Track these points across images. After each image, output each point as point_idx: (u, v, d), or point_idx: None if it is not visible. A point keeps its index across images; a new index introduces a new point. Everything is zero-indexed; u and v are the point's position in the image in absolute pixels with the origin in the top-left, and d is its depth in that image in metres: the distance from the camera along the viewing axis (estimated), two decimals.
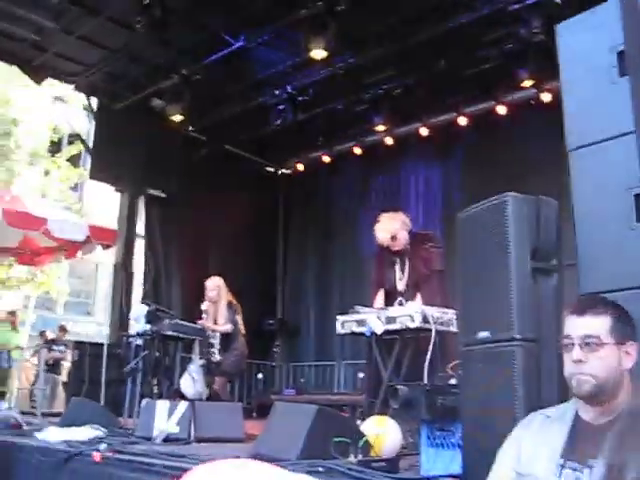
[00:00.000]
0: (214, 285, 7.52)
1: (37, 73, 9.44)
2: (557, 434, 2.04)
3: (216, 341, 7.40)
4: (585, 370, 1.98)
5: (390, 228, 5.45)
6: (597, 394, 1.98)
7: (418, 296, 5.31)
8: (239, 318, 7.53)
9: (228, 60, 8.69)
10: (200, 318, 7.42)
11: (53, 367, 11.93)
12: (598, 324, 2.01)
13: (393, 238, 5.43)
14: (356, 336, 5.74)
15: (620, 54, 2.65)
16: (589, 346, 1.99)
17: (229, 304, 7.48)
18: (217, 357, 7.35)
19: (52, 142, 17.54)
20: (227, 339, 7.43)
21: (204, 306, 7.47)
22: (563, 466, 1.97)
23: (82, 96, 10.35)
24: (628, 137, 2.61)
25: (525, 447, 2.10)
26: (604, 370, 1.97)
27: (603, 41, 2.73)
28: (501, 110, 9.44)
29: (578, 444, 1.99)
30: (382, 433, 3.95)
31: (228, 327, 7.37)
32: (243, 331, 7.57)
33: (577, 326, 2.04)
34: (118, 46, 8.78)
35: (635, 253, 2.55)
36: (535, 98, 8.94)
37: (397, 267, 5.50)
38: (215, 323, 7.42)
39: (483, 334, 2.73)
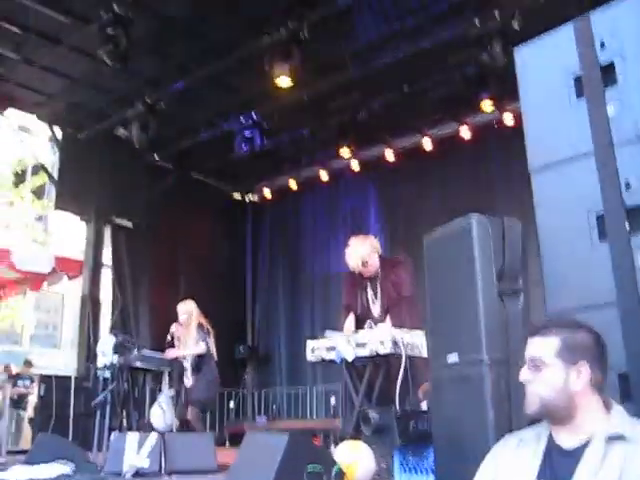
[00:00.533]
0: (186, 309, 7.46)
1: None
2: (532, 456, 2.04)
3: (188, 365, 7.30)
4: (531, 390, 2.03)
5: (361, 253, 5.42)
6: (544, 414, 2.02)
7: (388, 319, 5.30)
8: (211, 342, 7.43)
9: (192, 88, 8.69)
10: (172, 345, 7.32)
11: (18, 402, 11.64)
12: (544, 346, 2.04)
13: (364, 264, 5.41)
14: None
15: (577, 78, 2.70)
16: (535, 367, 2.03)
17: (199, 325, 7.39)
18: (190, 382, 7.26)
19: (16, 173, 17.37)
20: (199, 362, 7.33)
21: (173, 328, 7.38)
22: None
23: (45, 126, 10.26)
24: (587, 157, 2.66)
25: (502, 468, 2.10)
26: (548, 390, 1.99)
27: (560, 64, 2.78)
28: (465, 133, 9.56)
29: (552, 467, 1.99)
30: (355, 460, 3.91)
31: (201, 347, 7.24)
32: (215, 356, 7.47)
33: (528, 348, 2.09)
34: (80, 75, 8.74)
35: (599, 271, 2.58)
36: (498, 121, 9.08)
37: (369, 290, 5.48)
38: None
39: (452, 357, 2.73)
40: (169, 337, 7.35)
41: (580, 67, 2.70)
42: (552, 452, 2.03)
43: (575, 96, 2.73)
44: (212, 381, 7.38)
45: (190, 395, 7.22)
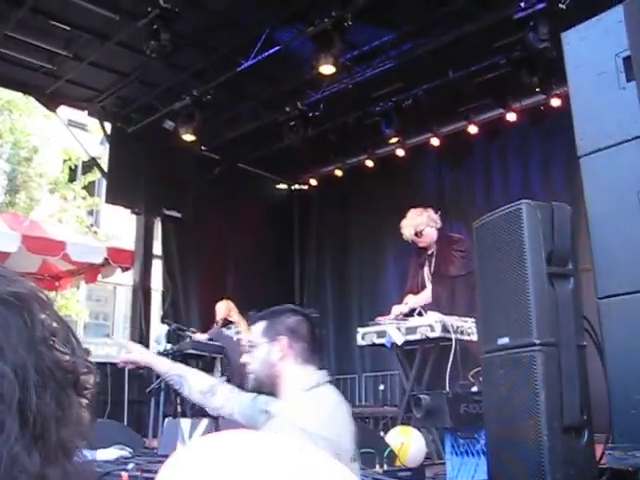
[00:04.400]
0: (224, 307, 7.73)
1: (51, 101, 9.61)
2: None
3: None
4: (249, 369, 2.42)
5: (415, 223, 5.42)
6: (259, 386, 2.38)
7: (424, 293, 5.27)
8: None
9: (238, 79, 8.79)
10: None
11: None
12: (255, 330, 2.48)
13: (418, 234, 5.39)
14: (376, 348, 5.76)
15: (626, 59, 2.70)
16: (250, 350, 2.43)
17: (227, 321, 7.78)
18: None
19: (69, 169, 17.81)
20: None
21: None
22: None
23: (96, 122, 10.50)
24: (637, 141, 2.65)
25: None
26: (256, 365, 2.37)
27: (609, 47, 2.77)
28: (511, 117, 9.46)
29: None
30: (406, 443, 3.97)
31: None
32: None
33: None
34: (129, 70, 8.92)
35: None
36: (545, 104, 8.96)
37: (426, 269, 5.47)
38: None
39: (503, 340, 2.76)
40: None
41: (629, 49, 2.69)
42: None
43: (625, 79, 2.72)
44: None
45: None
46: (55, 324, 0.68)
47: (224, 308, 7.76)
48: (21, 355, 0.61)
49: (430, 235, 5.42)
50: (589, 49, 2.87)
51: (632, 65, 2.68)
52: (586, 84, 2.90)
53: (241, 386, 2.52)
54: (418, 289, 5.47)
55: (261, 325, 2.45)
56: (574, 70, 2.96)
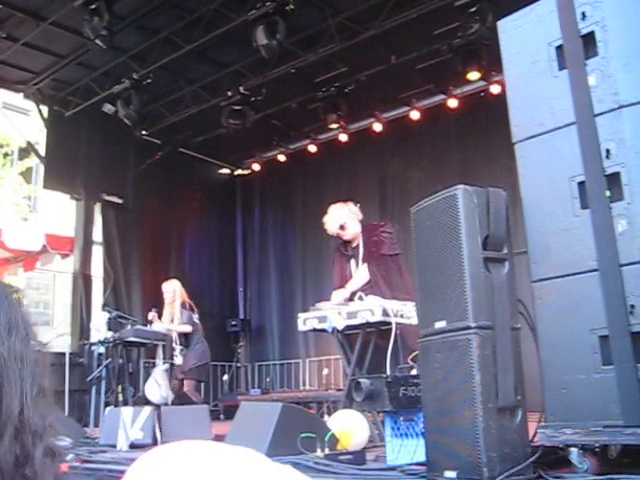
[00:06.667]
0: (170, 287, 7.66)
1: None
2: None
3: (177, 344, 7.46)
4: None
5: (337, 217, 5.47)
6: None
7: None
8: (196, 317, 7.65)
9: (179, 62, 8.66)
10: (150, 323, 7.51)
11: None
12: None
13: (341, 227, 5.46)
14: (319, 333, 5.80)
15: (558, 48, 2.76)
16: None
17: (183, 304, 7.63)
18: (180, 359, 7.40)
19: (4, 154, 17.28)
20: (187, 339, 7.53)
21: (150, 315, 7.59)
22: None
23: (32, 105, 10.20)
24: (570, 128, 2.72)
25: None
26: None
27: (542, 36, 2.83)
28: (452, 103, 9.59)
29: None
30: (349, 427, 4.01)
31: (187, 328, 7.50)
32: (201, 330, 7.68)
33: None
34: (66, 52, 8.69)
35: (581, 239, 2.66)
36: (485, 90, 9.11)
37: (352, 261, 5.54)
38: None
39: (440, 324, 2.80)
40: (151, 316, 7.52)
41: (562, 38, 2.75)
42: None
43: (558, 68, 2.79)
44: (204, 351, 7.59)
45: (183, 369, 7.38)
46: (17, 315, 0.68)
47: (171, 287, 7.72)
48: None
49: (354, 227, 5.49)
50: (523, 38, 2.92)
51: (564, 54, 2.74)
52: (521, 72, 2.95)
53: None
54: (349, 280, 5.53)
55: None
56: (509, 58, 3.01)
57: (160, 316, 7.58)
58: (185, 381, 7.42)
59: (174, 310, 7.56)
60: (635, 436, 2.39)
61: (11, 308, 0.64)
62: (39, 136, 11.04)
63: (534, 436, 2.78)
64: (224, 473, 0.53)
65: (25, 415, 0.61)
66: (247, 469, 0.53)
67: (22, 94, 9.76)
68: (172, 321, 7.52)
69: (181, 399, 7.17)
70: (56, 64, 8.94)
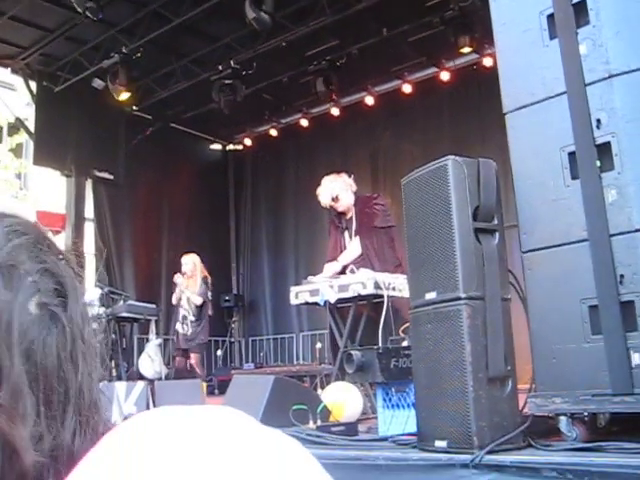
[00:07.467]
0: (190, 260, 7.95)
1: None
2: None
3: (190, 315, 7.70)
4: None
5: (331, 189, 5.47)
6: None
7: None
8: (209, 294, 7.96)
9: (169, 36, 8.56)
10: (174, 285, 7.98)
11: None
12: None
13: (335, 199, 5.45)
14: (312, 307, 5.81)
15: (550, 17, 2.73)
16: None
17: (204, 279, 7.99)
18: (190, 330, 7.66)
19: None
20: (200, 311, 7.76)
21: (177, 279, 7.91)
22: None
23: (20, 80, 10.08)
24: (561, 98, 2.70)
25: None
26: None
27: (533, 5, 2.81)
28: (445, 76, 9.53)
29: None
30: (342, 399, 4.03)
31: (198, 299, 7.86)
32: (210, 306, 8.04)
33: None
34: (54, 26, 8.57)
35: (571, 209, 2.65)
36: (477, 63, 9.06)
37: (346, 233, 5.54)
38: None
39: (430, 295, 2.81)
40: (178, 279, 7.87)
41: (553, 6, 2.73)
42: None
43: (549, 37, 2.76)
44: (206, 328, 7.91)
45: (192, 341, 7.66)
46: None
47: (191, 259, 8.05)
48: None
49: (347, 198, 5.48)
50: (514, 7, 2.90)
51: (555, 23, 2.72)
52: (511, 42, 2.93)
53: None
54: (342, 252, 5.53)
55: None
56: (500, 28, 2.99)
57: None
58: (192, 354, 7.79)
59: (195, 283, 7.92)
60: (623, 404, 2.41)
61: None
62: (27, 111, 10.92)
63: (524, 406, 2.80)
64: (210, 437, 0.53)
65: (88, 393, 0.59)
66: (235, 433, 0.52)
67: (9, 69, 9.64)
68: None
69: (185, 372, 7.40)
70: (44, 38, 8.82)
